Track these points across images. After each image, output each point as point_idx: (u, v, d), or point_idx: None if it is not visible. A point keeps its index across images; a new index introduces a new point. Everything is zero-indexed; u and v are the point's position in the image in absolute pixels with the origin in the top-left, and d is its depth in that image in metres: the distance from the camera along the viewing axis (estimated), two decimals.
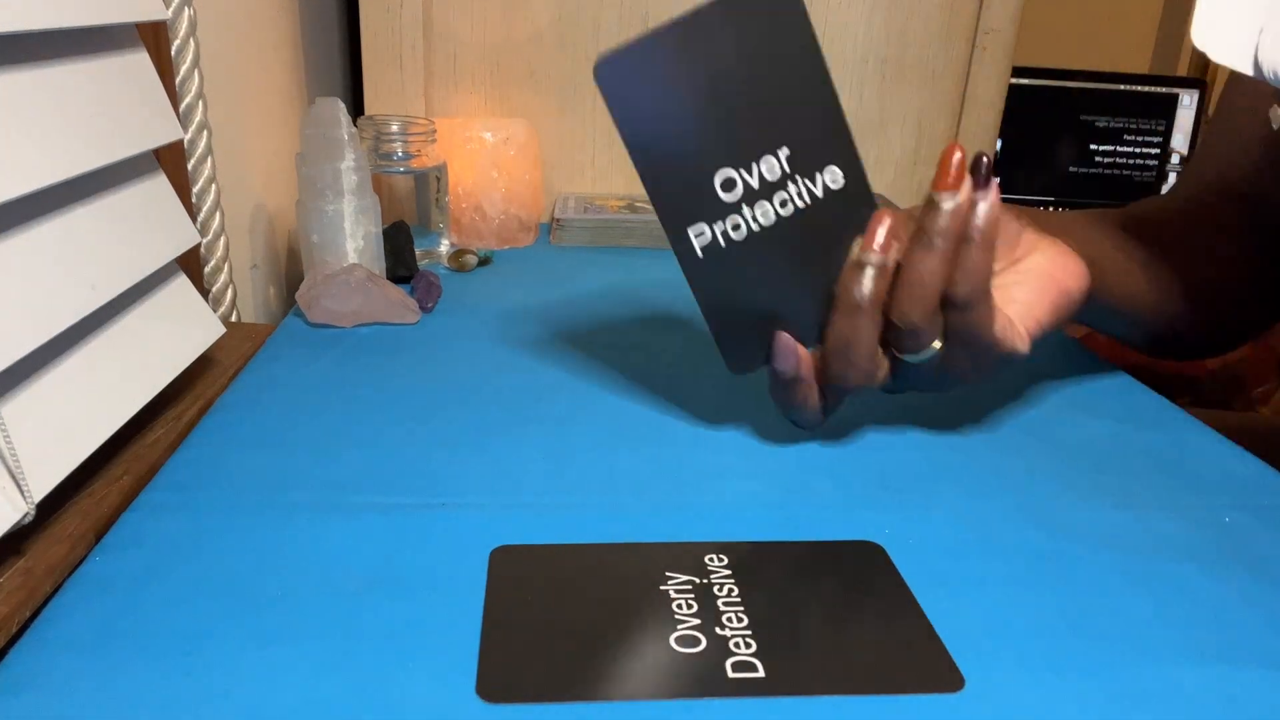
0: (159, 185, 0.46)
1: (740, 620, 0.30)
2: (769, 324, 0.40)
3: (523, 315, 0.60)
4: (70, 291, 0.37)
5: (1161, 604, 0.33)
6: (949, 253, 0.37)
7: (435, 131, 0.69)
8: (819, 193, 0.38)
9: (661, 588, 0.32)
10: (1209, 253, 0.55)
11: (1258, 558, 0.36)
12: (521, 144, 0.75)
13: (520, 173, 0.75)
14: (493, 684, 0.27)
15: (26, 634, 0.29)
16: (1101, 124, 1.25)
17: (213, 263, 0.58)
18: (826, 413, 0.41)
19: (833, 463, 0.42)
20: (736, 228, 0.38)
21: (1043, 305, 0.40)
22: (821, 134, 0.38)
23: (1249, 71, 0.36)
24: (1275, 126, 0.38)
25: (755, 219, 0.38)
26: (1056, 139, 1.25)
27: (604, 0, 0.81)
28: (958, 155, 0.36)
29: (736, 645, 0.29)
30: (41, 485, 0.33)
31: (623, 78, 0.36)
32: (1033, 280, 0.40)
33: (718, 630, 0.30)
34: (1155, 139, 1.29)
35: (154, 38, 0.51)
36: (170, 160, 0.52)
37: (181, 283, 0.48)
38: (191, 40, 0.53)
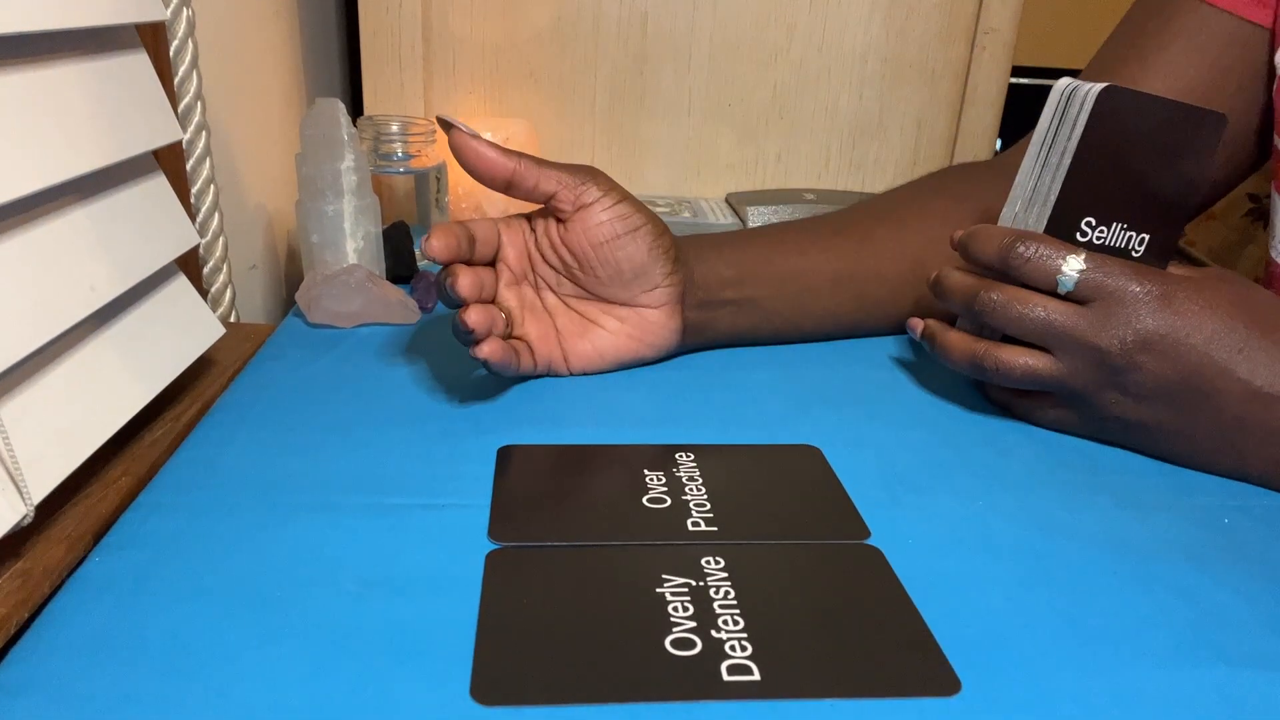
0: (158, 185, 0.46)
1: (736, 623, 0.30)
2: None
3: None
4: (70, 292, 0.37)
5: (1161, 604, 0.33)
6: None
7: (435, 132, 0.69)
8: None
9: (657, 590, 0.32)
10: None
11: (1258, 558, 0.36)
12: (521, 144, 0.75)
13: None
14: (487, 687, 0.27)
15: (26, 635, 0.29)
16: None
17: (212, 263, 0.58)
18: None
19: (831, 465, 0.42)
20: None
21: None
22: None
23: None
24: None
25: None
26: None
27: (604, 0, 0.81)
28: None
29: (732, 648, 0.29)
30: (41, 487, 0.33)
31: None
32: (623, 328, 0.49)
33: (713, 633, 0.30)
34: None
35: (153, 38, 0.51)
36: (170, 160, 0.52)
37: (181, 283, 0.48)
38: (190, 41, 0.53)
